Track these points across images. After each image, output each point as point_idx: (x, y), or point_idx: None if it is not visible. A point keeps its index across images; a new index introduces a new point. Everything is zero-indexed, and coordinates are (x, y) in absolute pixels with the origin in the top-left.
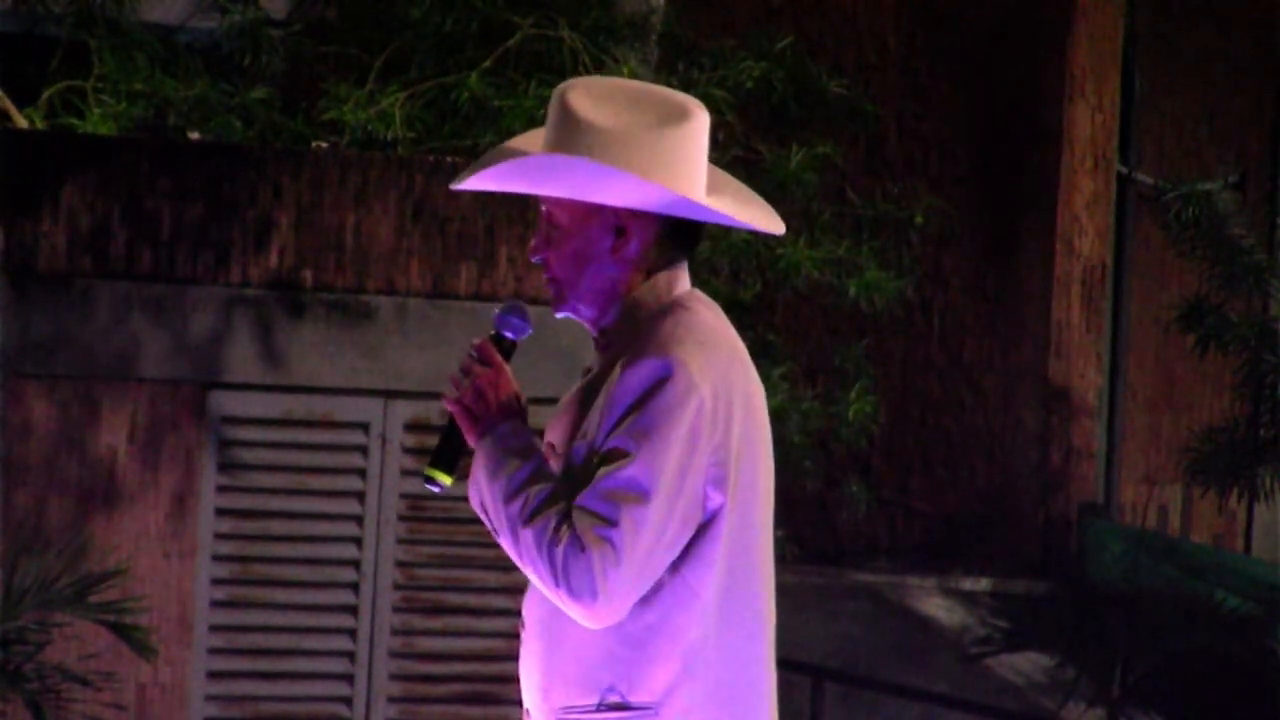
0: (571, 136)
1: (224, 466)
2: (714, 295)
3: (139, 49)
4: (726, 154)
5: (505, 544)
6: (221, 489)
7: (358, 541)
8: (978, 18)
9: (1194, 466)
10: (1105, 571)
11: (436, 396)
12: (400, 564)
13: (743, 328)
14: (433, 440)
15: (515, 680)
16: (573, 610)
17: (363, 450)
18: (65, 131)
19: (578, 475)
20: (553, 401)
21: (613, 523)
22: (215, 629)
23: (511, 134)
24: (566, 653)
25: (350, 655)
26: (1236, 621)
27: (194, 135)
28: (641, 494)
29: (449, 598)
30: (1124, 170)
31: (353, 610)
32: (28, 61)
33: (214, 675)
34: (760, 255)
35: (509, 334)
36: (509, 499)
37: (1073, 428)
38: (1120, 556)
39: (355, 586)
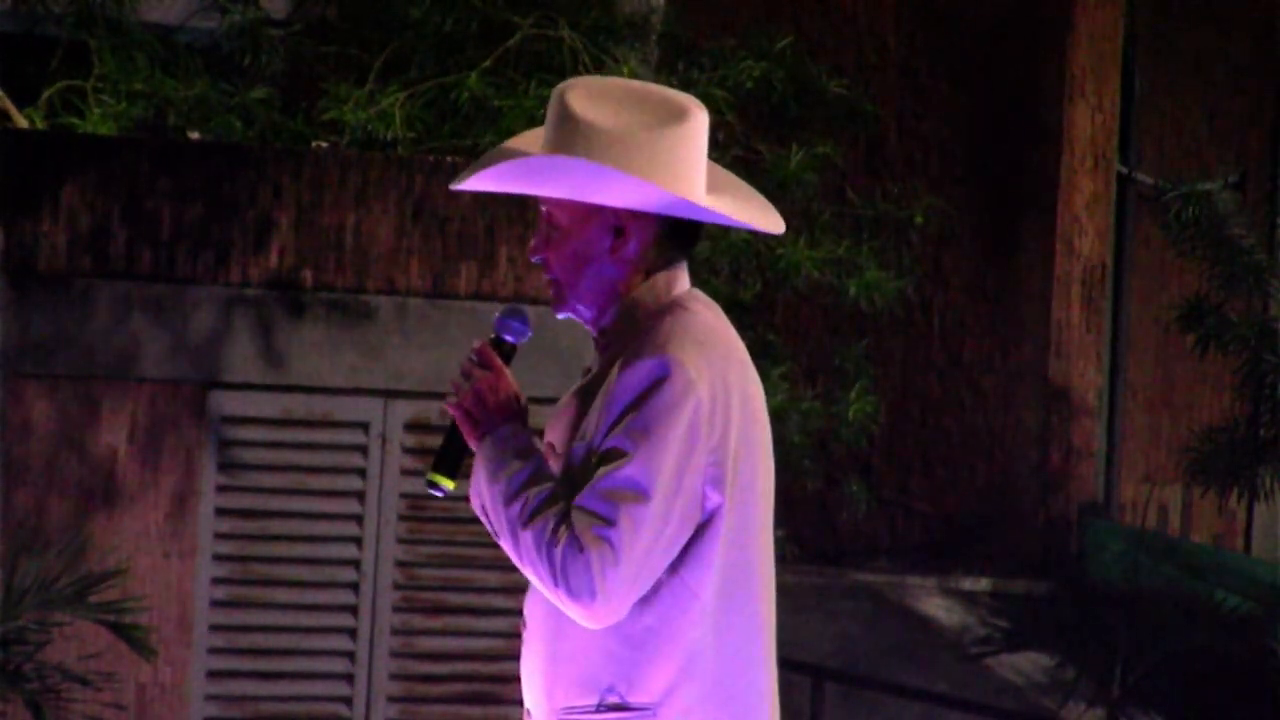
0: (570, 137)
1: (224, 466)
2: (714, 295)
3: (139, 49)
4: (726, 154)
5: (506, 546)
6: (221, 489)
7: (358, 541)
8: (978, 18)
9: (1194, 466)
10: (1105, 571)
11: (436, 396)
12: (400, 564)
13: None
14: (433, 440)
15: (515, 680)
16: (572, 610)
17: (363, 450)
18: (65, 131)
19: (576, 476)
20: (553, 401)
21: (611, 522)
22: (215, 629)
23: (511, 134)
24: (567, 653)
25: (350, 655)
26: (1236, 621)
27: (194, 135)
28: (640, 493)
29: (449, 598)
30: (1124, 170)
31: (353, 610)
32: (28, 61)
33: (214, 675)
34: (760, 255)
35: (509, 337)
36: (508, 501)
37: (1073, 428)
38: (1120, 556)
39: (355, 586)
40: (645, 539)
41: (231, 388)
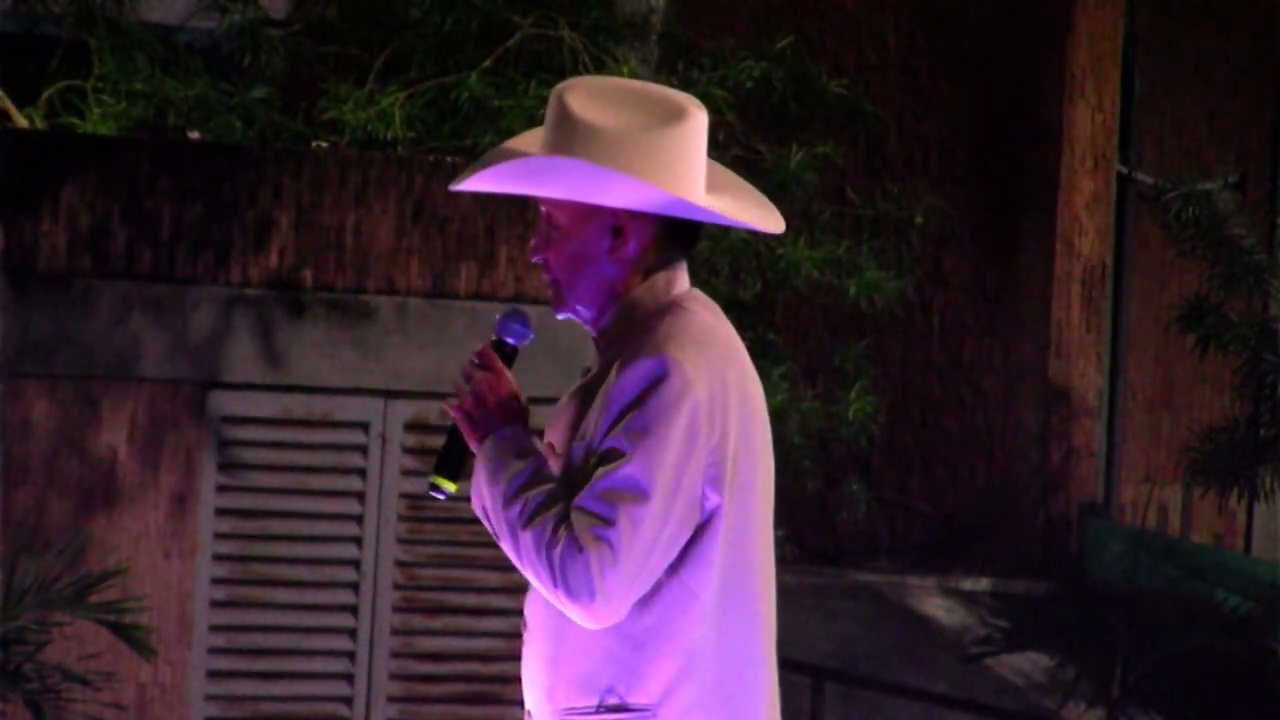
0: (569, 137)
1: (224, 466)
2: (714, 295)
3: (139, 49)
4: (726, 154)
5: (506, 547)
6: (221, 489)
7: (358, 541)
8: (978, 18)
9: (1194, 466)
10: (1105, 571)
11: (436, 396)
12: (400, 564)
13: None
14: (433, 440)
15: (515, 680)
16: (572, 611)
17: (363, 450)
18: (65, 131)
19: (576, 476)
20: (553, 401)
21: (610, 522)
22: (215, 629)
23: (511, 134)
24: (567, 654)
25: (350, 655)
26: (1236, 621)
27: (194, 135)
28: (639, 493)
29: (449, 598)
30: (1124, 170)
31: (353, 610)
32: (28, 61)
33: (214, 675)
34: (760, 255)
35: (510, 340)
36: (508, 502)
37: (1073, 428)
38: (1120, 556)
39: (355, 586)
40: (644, 539)
41: (231, 388)
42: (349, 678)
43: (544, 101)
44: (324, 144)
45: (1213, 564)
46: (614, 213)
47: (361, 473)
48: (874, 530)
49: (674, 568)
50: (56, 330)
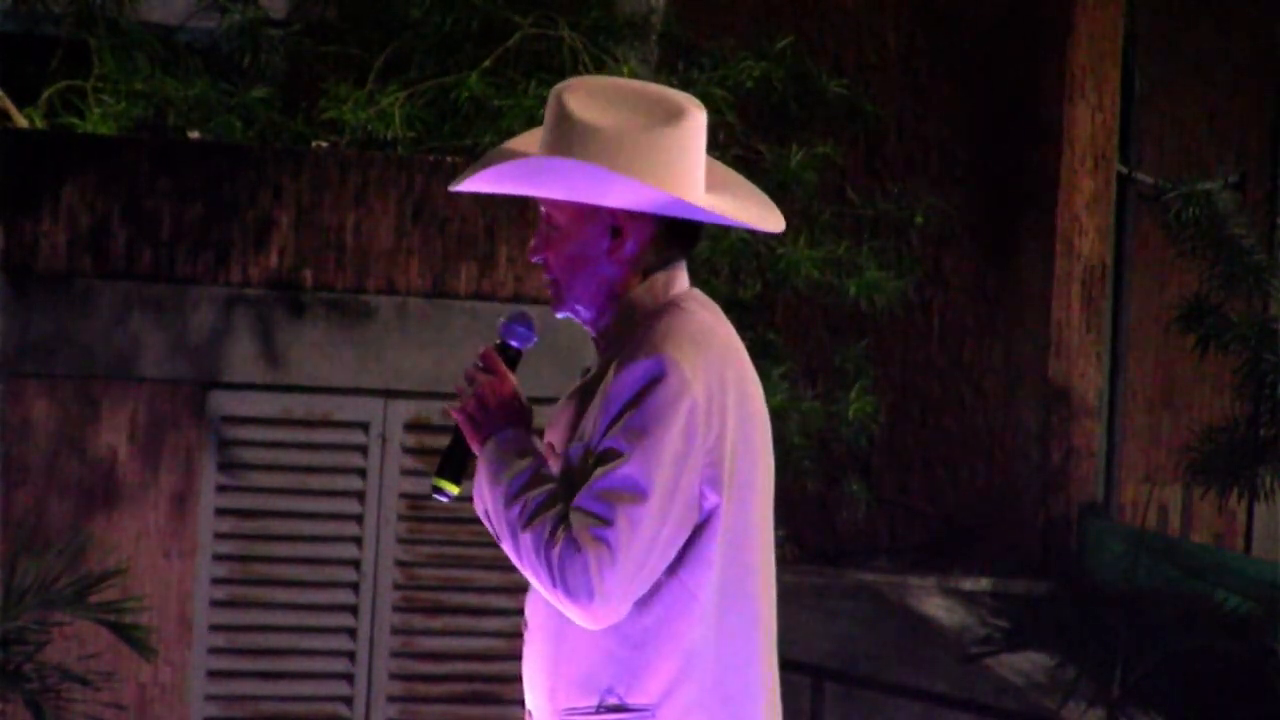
0: (567, 138)
1: (224, 466)
2: (714, 295)
3: (139, 49)
4: (726, 154)
5: (507, 548)
6: (221, 489)
7: (358, 541)
8: (978, 18)
9: (1194, 466)
10: (1105, 571)
11: (436, 396)
12: (400, 564)
13: (743, 328)
14: (433, 440)
15: (515, 680)
16: (571, 611)
17: (363, 450)
18: (65, 131)
19: (575, 477)
20: (553, 401)
21: (608, 522)
22: (215, 629)
23: (511, 134)
24: (567, 655)
25: (350, 655)
26: (1236, 621)
27: (194, 135)
28: (637, 493)
29: (449, 598)
30: (1124, 170)
31: (353, 610)
32: (28, 61)
33: (214, 675)
34: (760, 255)
35: (514, 343)
36: (509, 503)
37: (1073, 428)
38: (1120, 556)
39: (355, 586)
40: (643, 539)
41: (231, 388)
42: (349, 678)
43: (544, 101)
44: (324, 144)
45: (1213, 564)
46: (613, 213)
47: (361, 473)
48: (874, 530)
49: (673, 568)
50: (56, 330)
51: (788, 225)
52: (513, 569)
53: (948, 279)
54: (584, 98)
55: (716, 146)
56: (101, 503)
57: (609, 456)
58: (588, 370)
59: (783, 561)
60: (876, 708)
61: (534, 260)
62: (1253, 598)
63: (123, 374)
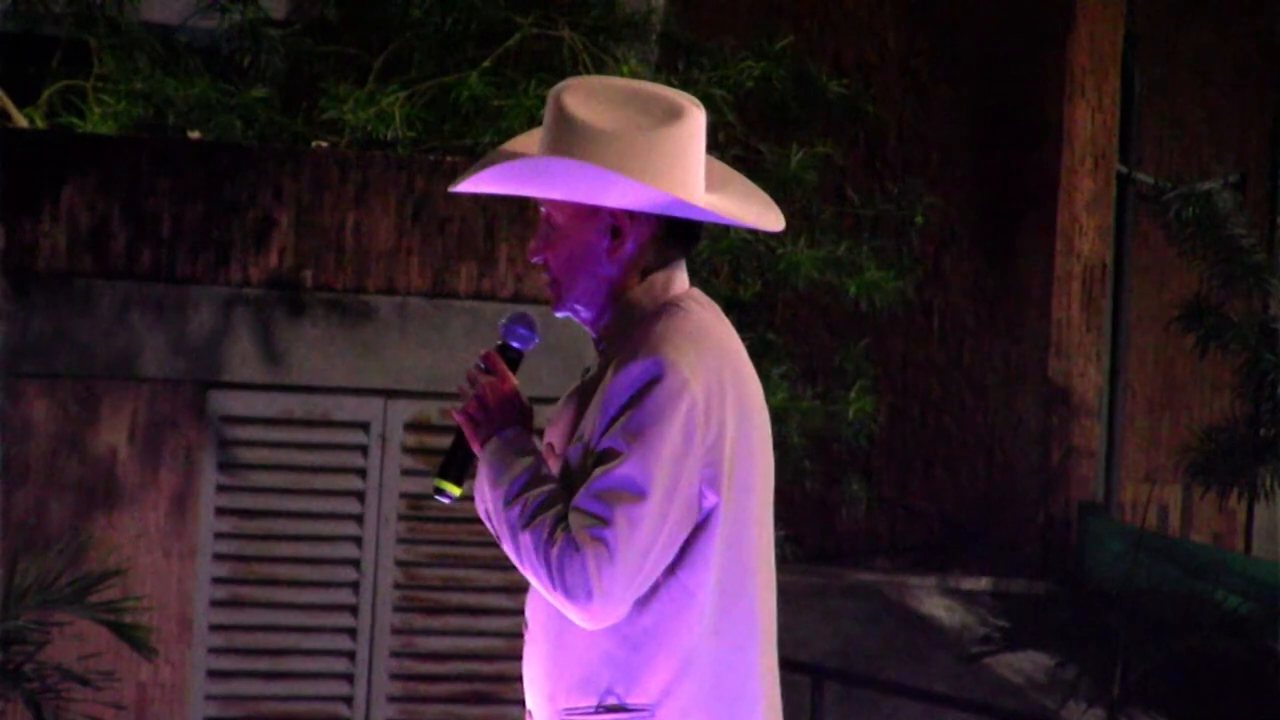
0: (566, 138)
1: (224, 466)
2: (714, 295)
3: (139, 49)
4: (726, 154)
5: (507, 549)
6: (221, 489)
7: (358, 541)
8: (978, 18)
9: (1194, 466)
10: (1105, 571)
11: (436, 396)
12: (400, 564)
13: (743, 328)
14: (433, 440)
15: (515, 680)
16: (570, 611)
17: (363, 450)
18: (65, 131)
19: (574, 477)
20: (553, 401)
21: (606, 522)
22: (215, 629)
23: (511, 133)
24: (566, 655)
25: (350, 655)
26: (1236, 621)
27: (194, 135)
28: (635, 493)
29: (449, 598)
30: (1124, 170)
31: (353, 610)
32: (28, 61)
33: (214, 675)
34: (760, 255)
35: (515, 344)
36: (509, 504)
37: (1073, 428)
38: (1120, 556)
39: (355, 586)
40: (641, 538)
41: (231, 387)
42: (349, 678)
43: (544, 101)
44: (324, 144)
45: (1213, 564)
46: (612, 213)
47: (361, 473)
48: (874, 530)
49: (672, 568)
50: (56, 330)
51: (788, 225)
52: (513, 569)
53: (948, 279)
54: (583, 98)
55: (716, 146)
56: (101, 503)
57: (607, 456)
58: (588, 370)
59: (783, 561)
60: (876, 708)
61: (534, 260)
62: (1253, 598)
63: (123, 374)
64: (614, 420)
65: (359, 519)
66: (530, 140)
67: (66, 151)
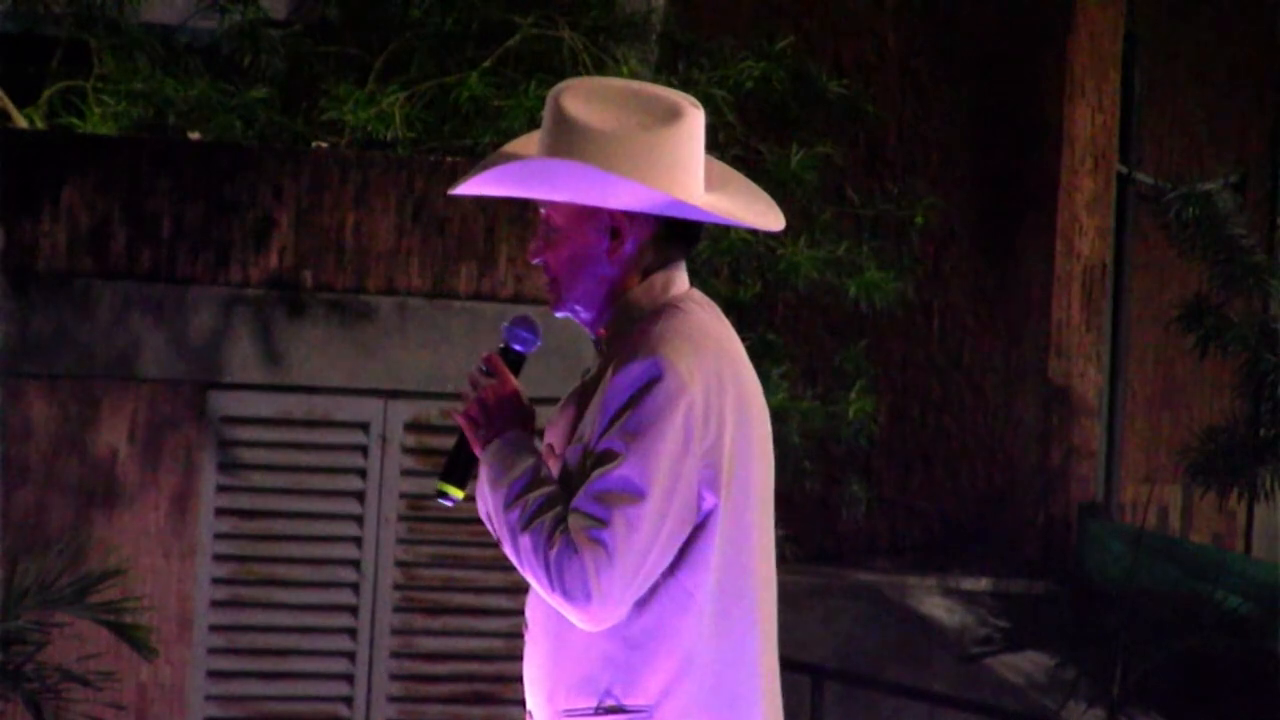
0: (565, 139)
1: (224, 466)
2: (714, 295)
3: (139, 49)
4: (726, 154)
5: (508, 550)
6: (221, 489)
7: (358, 541)
8: (978, 18)
9: (1194, 466)
10: (1105, 571)
11: (436, 396)
12: (400, 564)
13: (743, 328)
14: (433, 440)
15: (515, 680)
16: (569, 613)
17: (363, 450)
18: (65, 131)
19: (573, 478)
20: (553, 401)
21: (605, 523)
22: (215, 629)
23: (511, 134)
24: (566, 656)
25: (350, 655)
26: (1236, 621)
27: (194, 135)
28: (634, 494)
29: (449, 598)
30: (1124, 170)
31: (353, 610)
32: (28, 61)
33: (214, 675)
34: (760, 255)
35: (517, 347)
36: (509, 506)
37: (1073, 428)
38: (1120, 556)
39: (355, 586)
40: (640, 539)
41: (231, 388)
42: (349, 678)
43: (544, 102)
44: (324, 144)
45: (1213, 564)
46: (611, 214)
47: (361, 473)
48: (874, 530)
49: (671, 569)
50: (56, 330)
51: (788, 225)
52: (513, 569)
53: (948, 279)
54: (581, 99)
55: (716, 146)
56: (101, 503)
57: (606, 458)
58: (587, 371)
59: (783, 561)
60: (876, 708)
61: (533, 261)
62: (1253, 598)
63: (123, 374)
64: (613, 421)
65: (359, 519)
66: (530, 142)
67: (66, 151)
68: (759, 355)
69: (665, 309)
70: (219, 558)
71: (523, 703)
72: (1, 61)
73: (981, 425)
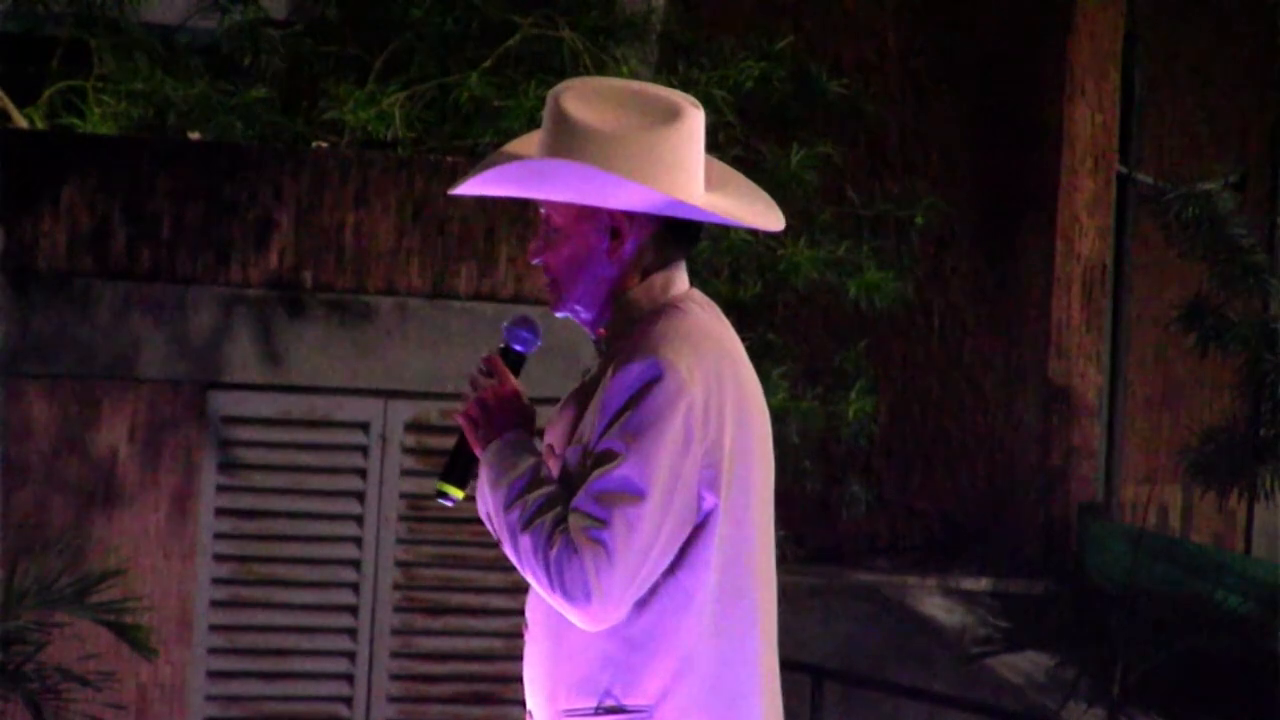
0: (565, 140)
1: (224, 466)
2: (714, 295)
3: (139, 49)
4: (726, 154)
5: (508, 550)
6: (221, 489)
7: (358, 541)
8: (978, 18)
9: (1194, 466)
10: (1105, 571)
11: (436, 396)
12: (400, 564)
13: (743, 328)
14: (433, 440)
15: (515, 680)
16: (569, 613)
17: (363, 450)
18: (65, 131)
19: (573, 479)
20: (553, 401)
21: (604, 523)
22: (215, 629)
23: (511, 134)
24: (566, 656)
25: (350, 655)
26: (1236, 621)
27: (194, 135)
28: (634, 494)
29: (449, 598)
30: (1124, 170)
31: (353, 610)
32: (28, 61)
33: (214, 675)
34: (760, 255)
35: (518, 347)
36: (509, 506)
37: (1073, 428)
38: (1120, 556)
39: (355, 586)
40: (640, 539)
41: (231, 388)
42: (349, 678)
43: (544, 102)
44: (324, 144)
45: (1213, 564)
46: (610, 214)
47: (361, 473)
48: (874, 530)
49: (671, 569)
50: (56, 330)
51: (788, 225)
52: (513, 569)
53: (948, 279)
54: (581, 99)
55: (716, 146)
56: (101, 503)
57: (606, 458)
58: (587, 371)
59: (783, 561)
60: (876, 708)
61: (533, 261)
62: (1253, 598)
63: (123, 374)
64: (613, 421)
65: (359, 519)
66: (530, 142)
67: (66, 151)
68: (759, 355)
69: (665, 309)
70: (219, 558)
71: (523, 703)
72: (1, 61)
73: (981, 425)
